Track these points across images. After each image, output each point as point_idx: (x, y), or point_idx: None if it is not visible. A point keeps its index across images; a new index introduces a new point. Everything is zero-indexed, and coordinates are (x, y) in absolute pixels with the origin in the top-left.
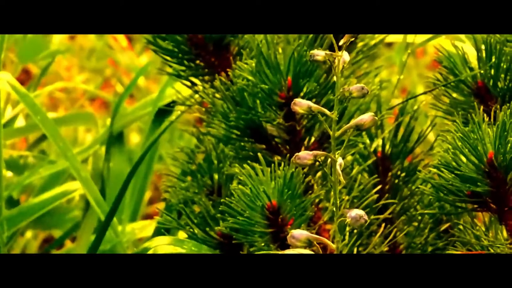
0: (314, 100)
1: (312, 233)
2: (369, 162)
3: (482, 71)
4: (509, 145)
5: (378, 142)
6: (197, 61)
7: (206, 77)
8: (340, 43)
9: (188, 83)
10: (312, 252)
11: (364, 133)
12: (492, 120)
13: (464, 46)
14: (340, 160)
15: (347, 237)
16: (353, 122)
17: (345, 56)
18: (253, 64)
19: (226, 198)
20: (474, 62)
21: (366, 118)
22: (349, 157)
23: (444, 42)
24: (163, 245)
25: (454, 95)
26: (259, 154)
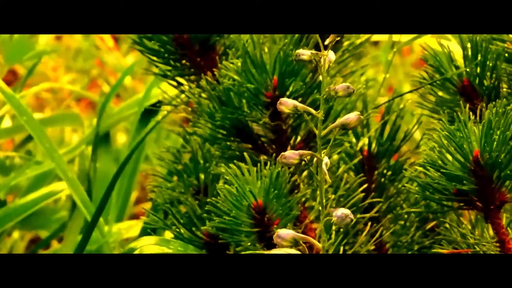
0: (300, 99)
1: (298, 232)
2: (355, 161)
3: (468, 70)
4: (494, 143)
5: (364, 141)
6: (183, 61)
7: (192, 77)
8: (326, 42)
9: (174, 83)
10: (298, 252)
11: (350, 132)
12: (478, 118)
13: (450, 44)
14: (326, 159)
15: (333, 236)
16: (339, 121)
17: (330, 55)
18: (239, 64)
19: (212, 198)
20: (460, 60)
21: (352, 117)
22: (335, 156)
23: (430, 41)
24: (149, 245)
25: (440, 93)
26: (245, 153)
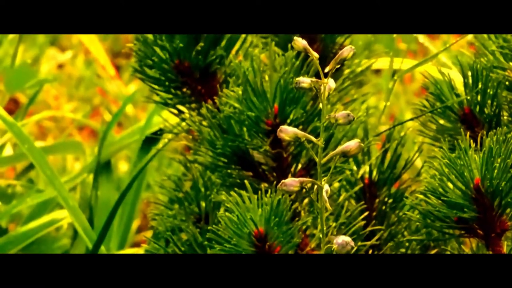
0: (300, 127)
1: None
2: (356, 188)
3: (468, 98)
4: (495, 171)
5: (365, 168)
6: (184, 89)
7: (193, 105)
8: (326, 70)
9: (175, 111)
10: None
11: (351, 159)
12: (478, 146)
13: (451, 72)
14: (326, 187)
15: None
16: (339, 148)
17: (331, 83)
18: (240, 92)
19: (213, 226)
20: (460, 88)
21: (352, 144)
22: (336, 184)
23: (431, 69)
24: None
25: (441, 121)
26: (246, 181)
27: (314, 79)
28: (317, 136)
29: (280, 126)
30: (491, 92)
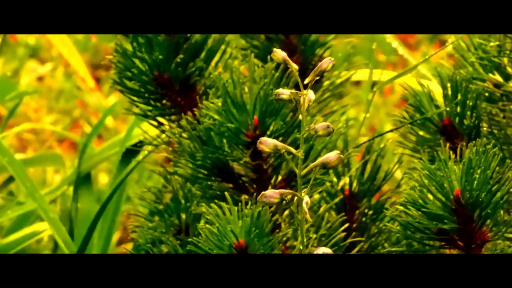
0: (280, 138)
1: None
2: (336, 200)
3: (448, 109)
4: (475, 182)
5: (345, 180)
6: (164, 101)
7: (173, 117)
8: (306, 81)
9: (155, 123)
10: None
11: (331, 171)
12: (458, 157)
13: (430, 84)
14: (306, 199)
15: None
16: (319, 160)
17: (310, 95)
18: (219, 103)
19: (194, 238)
20: (440, 100)
21: (332, 156)
22: (316, 196)
23: (410, 80)
24: None
25: (421, 132)
26: (226, 193)
27: (293, 90)
28: (297, 147)
29: (260, 138)
30: (470, 104)
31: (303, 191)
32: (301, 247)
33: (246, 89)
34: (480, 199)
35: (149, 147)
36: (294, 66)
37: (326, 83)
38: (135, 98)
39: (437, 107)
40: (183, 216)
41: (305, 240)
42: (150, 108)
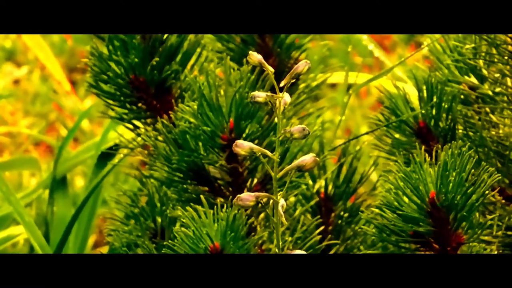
0: (256, 141)
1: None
2: (312, 203)
3: (423, 111)
4: (450, 185)
5: (321, 183)
6: (139, 104)
7: (149, 120)
8: (281, 84)
9: (131, 126)
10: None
11: (306, 174)
12: (433, 160)
13: (406, 86)
14: (282, 201)
15: None
16: (295, 163)
17: (286, 98)
18: (195, 106)
19: (169, 241)
20: (415, 102)
21: (307, 159)
22: (292, 198)
23: (386, 83)
24: None
25: (396, 135)
26: (201, 196)
27: (269, 93)
28: (272, 150)
29: (236, 141)
30: (446, 106)
31: (279, 194)
32: (276, 250)
33: (222, 92)
34: (456, 202)
35: (125, 150)
36: (270, 69)
37: (302, 85)
38: (110, 101)
39: (412, 109)
40: (159, 219)
41: (280, 243)
42: (125, 111)
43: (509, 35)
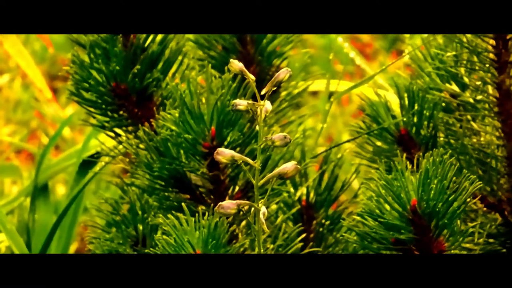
0: (237, 149)
1: None
2: (294, 210)
3: (404, 119)
4: (432, 192)
5: (302, 190)
6: (121, 112)
7: (130, 128)
8: (263, 92)
9: (112, 134)
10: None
11: (288, 181)
12: (415, 167)
13: (387, 94)
14: (263, 209)
15: None
16: (276, 171)
17: (267, 105)
18: (177, 114)
19: (151, 249)
20: (397, 110)
21: (289, 166)
22: (273, 206)
23: (367, 91)
24: None
25: (378, 143)
26: (183, 204)
27: (250, 101)
28: (254, 158)
29: (217, 149)
30: (427, 114)
31: (260, 201)
32: None
33: (203, 100)
34: (437, 209)
35: (106, 158)
36: (251, 77)
37: (283, 93)
38: (92, 109)
39: (394, 117)
40: (140, 227)
41: (262, 250)
42: (107, 119)
43: (491, 41)
